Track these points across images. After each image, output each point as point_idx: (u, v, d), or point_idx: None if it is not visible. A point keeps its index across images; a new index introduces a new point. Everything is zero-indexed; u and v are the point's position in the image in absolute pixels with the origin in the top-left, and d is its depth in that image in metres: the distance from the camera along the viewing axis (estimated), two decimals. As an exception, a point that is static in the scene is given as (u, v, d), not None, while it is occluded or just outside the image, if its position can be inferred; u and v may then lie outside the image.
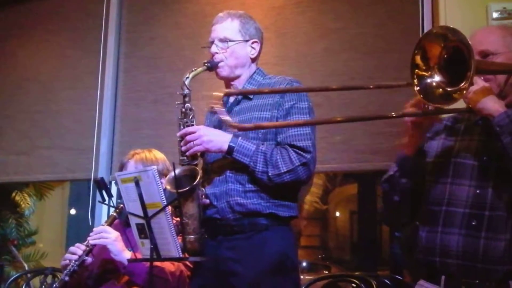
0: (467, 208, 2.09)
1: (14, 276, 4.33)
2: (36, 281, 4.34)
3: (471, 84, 1.90)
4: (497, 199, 2.06)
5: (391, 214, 2.37)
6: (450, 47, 1.96)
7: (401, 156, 2.27)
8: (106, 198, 2.83)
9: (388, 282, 3.36)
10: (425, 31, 3.51)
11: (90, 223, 4.38)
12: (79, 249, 2.90)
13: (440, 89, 1.99)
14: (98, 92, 4.58)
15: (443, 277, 2.12)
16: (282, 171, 2.50)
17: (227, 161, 2.61)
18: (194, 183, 2.51)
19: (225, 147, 2.54)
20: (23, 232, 7.91)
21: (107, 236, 2.85)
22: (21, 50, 5.10)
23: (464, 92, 1.89)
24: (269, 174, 2.51)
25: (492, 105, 2.02)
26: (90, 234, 2.92)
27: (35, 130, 4.85)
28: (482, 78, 2.10)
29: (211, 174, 2.69)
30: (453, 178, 2.16)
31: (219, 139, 2.56)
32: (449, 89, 1.97)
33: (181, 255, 2.44)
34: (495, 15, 3.30)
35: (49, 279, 3.85)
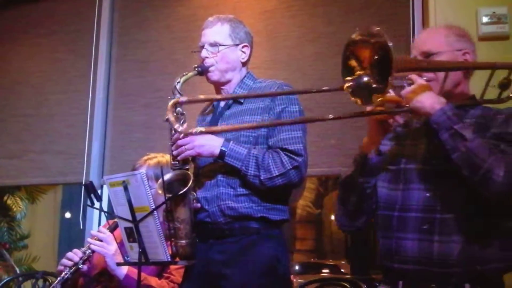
0: (419, 212, 2.07)
1: (5, 280, 4.31)
2: (27, 285, 4.33)
3: (390, 84, 1.86)
4: (447, 201, 2.04)
5: (346, 215, 2.31)
6: (376, 48, 1.91)
7: (361, 155, 2.23)
8: (96, 202, 2.82)
9: (378, 285, 3.35)
10: (416, 35, 3.53)
11: (81, 227, 4.38)
12: (76, 255, 2.89)
13: (367, 88, 1.93)
14: (90, 95, 4.57)
15: (400, 283, 2.10)
16: (274, 174, 2.50)
17: (218, 165, 2.61)
18: (185, 189, 2.50)
19: (217, 151, 2.54)
20: (15, 235, 7.88)
21: (107, 247, 2.85)
22: (12, 53, 5.09)
23: (386, 90, 1.87)
24: (261, 178, 2.51)
25: (428, 102, 1.99)
26: (89, 239, 2.91)
27: (27, 134, 4.84)
28: (424, 78, 2.08)
29: (202, 178, 2.69)
30: (404, 184, 2.14)
31: (211, 144, 2.56)
32: (374, 86, 1.92)
33: (169, 259, 2.43)
34: (484, 19, 3.30)
35: (40, 282, 3.85)
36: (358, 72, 1.96)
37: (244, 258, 2.51)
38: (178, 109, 2.65)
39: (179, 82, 2.68)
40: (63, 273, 2.84)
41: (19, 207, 7.96)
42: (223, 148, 2.54)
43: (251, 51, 2.82)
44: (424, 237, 2.04)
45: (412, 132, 2.26)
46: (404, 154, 2.20)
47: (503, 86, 2.13)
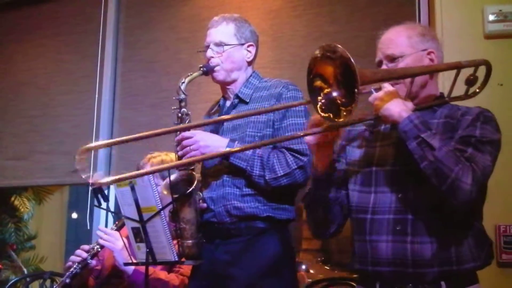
0: (391, 214, 2.06)
1: (13, 280, 4.32)
2: (35, 285, 4.34)
3: (356, 99, 1.83)
4: (418, 202, 2.03)
5: (316, 226, 2.29)
6: (338, 64, 1.89)
7: (314, 174, 2.20)
8: (103, 202, 2.83)
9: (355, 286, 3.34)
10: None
11: (88, 227, 4.39)
12: (83, 251, 2.92)
13: (336, 103, 1.92)
14: (96, 96, 4.58)
15: (377, 285, 2.08)
16: (279, 174, 2.50)
17: (224, 165, 2.61)
18: (190, 189, 2.50)
19: (222, 151, 2.55)
20: (22, 236, 7.90)
21: (115, 243, 2.86)
22: (19, 54, 5.11)
23: (353, 103, 1.83)
24: (266, 178, 2.51)
25: (396, 111, 1.97)
26: (97, 232, 2.93)
27: (33, 135, 4.86)
28: (390, 82, 2.05)
29: (208, 178, 2.69)
30: (376, 187, 2.13)
31: (216, 144, 2.56)
32: (342, 101, 1.90)
33: (176, 259, 2.44)
34: (491, 17, 3.29)
35: (48, 283, 3.86)
36: (326, 90, 1.94)
37: (250, 258, 2.51)
38: (183, 109, 2.66)
39: (183, 82, 2.68)
40: (72, 268, 2.88)
41: (26, 207, 7.97)
42: (228, 148, 2.54)
43: (256, 50, 2.82)
44: (397, 238, 2.03)
45: (380, 135, 2.23)
46: (374, 157, 2.18)
47: (470, 82, 2.17)
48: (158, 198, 2.41)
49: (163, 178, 2.74)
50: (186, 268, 2.89)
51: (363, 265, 2.12)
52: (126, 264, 2.72)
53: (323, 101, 1.94)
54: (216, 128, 2.72)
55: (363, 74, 1.85)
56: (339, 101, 1.92)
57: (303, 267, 5.67)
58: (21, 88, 5.00)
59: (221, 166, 2.63)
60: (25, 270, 6.08)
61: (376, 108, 2.01)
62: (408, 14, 3.67)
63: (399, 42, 2.18)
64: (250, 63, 2.80)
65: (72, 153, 4.58)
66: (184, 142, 2.58)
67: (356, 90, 1.81)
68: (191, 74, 2.69)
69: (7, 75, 5.10)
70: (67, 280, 2.85)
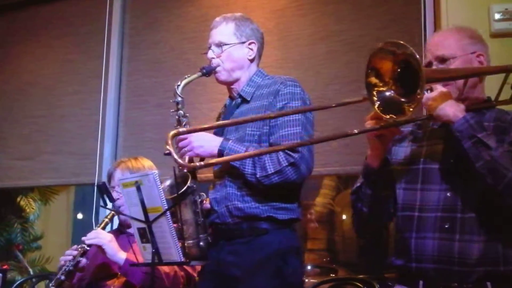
0: (439, 212, 2.08)
1: (19, 281, 4.32)
2: (41, 285, 4.35)
3: (421, 94, 1.89)
4: (467, 200, 2.05)
5: (360, 224, 2.34)
6: (399, 61, 1.95)
7: (366, 167, 2.25)
8: (109, 202, 2.85)
9: (391, 284, 3.33)
10: (427, 33, 3.51)
11: (94, 228, 4.38)
12: (73, 250, 2.94)
13: (396, 102, 1.97)
14: (102, 96, 4.58)
15: (421, 282, 2.10)
16: (270, 172, 2.47)
17: (226, 166, 2.60)
18: (183, 189, 2.49)
19: (216, 151, 2.54)
20: (28, 237, 7.90)
21: (102, 237, 2.90)
22: (25, 55, 5.11)
23: (417, 102, 1.89)
24: (257, 176, 2.49)
25: (451, 111, 2.01)
26: (83, 238, 2.95)
27: (39, 135, 4.87)
28: (441, 83, 2.10)
29: (214, 179, 2.70)
30: (422, 184, 2.16)
31: (210, 144, 2.55)
32: (403, 100, 1.95)
33: (182, 259, 2.43)
34: (497, 16, 3.28)
35: (53, 283, 3.86)
36: (381, 88, 1.99)
37: (253, 259, 2.50)
38: (179, 111, 2.66)
39: (179, 85, 2.68)
40: (64, 266, 2.91)
41: (32, 208, 7.97)
42: (220, 148, 2.53)
43: (260, 47, 2.80)
44: (445, 236, 2.05)
45: (427, 134, 2.26)
46: (421, 155, 2.21)
47: None
48: (163, 198, 2.40)
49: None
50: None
51: (407, 261, 2.13)
52: (132, 265, 2.73)
53: (379, 102, 2.00)
54: (220, 129, 2.72)
55: (428, 73, 1.95)
56: (397, 99, 1.97)
57: (309, 267, 5.66)
58: (27, 89, 5.01)
59: (225, 167, 2.63)
60: (31, 271, 6.07)
61: (430, 108, 2.05)
62: (414, 13, 3.68)
63: (449, 44, 2.22)
64: (252, 61, 2.78)
65: (77, 153, 4.62)
66: (179, 144, 2.58)
67: (419, 90, 1.86)
68: (188, 76, 2.69)
69: (13, 75, 5.11)
70: (62, 277, 2.89)
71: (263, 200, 2.54)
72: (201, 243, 2.51)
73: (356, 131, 2.11)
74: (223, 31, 2.73)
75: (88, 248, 2.93)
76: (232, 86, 2.78)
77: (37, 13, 5.13)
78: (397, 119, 1.98)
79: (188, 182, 2.51)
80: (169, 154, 1.94)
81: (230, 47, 2.70)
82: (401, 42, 1.92)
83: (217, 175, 2.69)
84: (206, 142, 2.55)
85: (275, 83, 2.66)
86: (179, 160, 2.02)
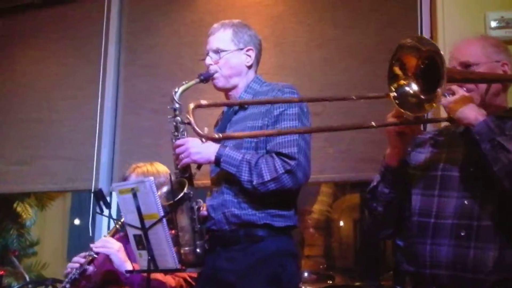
0: (456, 219, 2.09)
1: (15, 287, 4.32)
2: (37, 291, 4.33)
3: (444, 91, 1.92)
4: (484, 209, 2.05)
5: (375, 224, 2.36)
6: (424, 57, 1.98)
7: (384, 166, 2.27)
8: (105, 209, 2.84)
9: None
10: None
11: (90, 234, 4.37)
12: (81, 258, 2.95)
13: (415, 98, 2.00)
14: (99, 101, 4.56)
15: None
16: (266, 179, 2.47)
17: (223, 173, 2.59)
18: (179, 196, 2.49)
19: (212, 158, 2.54)
20: (24, 242, 7.89)
21: (110, 246, 2.89)
22: (21, 59, 5.09)
23: (437, 99, 1.91)
24: (254, 183, 2.48)
25: (472, 114, 2.02)
26: (91, 245, 2.94)
27: (36, 140, 4.83)
28: (464, 88, 2.11)
29: (212, 186, 2.70)
30: (440, 191, 2.16)
31: (207, 151, 2.55)
32: (423, 97, 1.98)
33: (178, 267, 2.43)
34: (493, 24, 3.29)
35: (50, 289, 3.86)
36: (402, 82, 2.02)
37: (250, 266, 2.50)
38: (177, 118, 2.66)
39: (176, 91, 2.67)
40: (71, 274, 2.91)
41: (29, 214, 7.97)
42: (217, 155, 2.53)
43: (258, 54, 2.81)
44: (460, 243, 2.06)
45: (447, 141, 2.27)
46: (440, 162, 2.21)
47: None
48: (159, 205, 2.40)
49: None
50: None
51: (421, 267, 2.13)
52: (128, 271, 2.72)
53: (396, 95, 2.03)
54: (223, 127, 2.73)
55: (451, 71, 1.96)
56: (415, 95, 2.00)
57: (306, 274, 5.65)
58: (23, 92, 4.97)
59: (222, 174, 2.62)
60: (27, 277, 6.05)
61: (451, 110, 2.06)
62: (410, 20, 3.68)
63: (474, 51, 2.24)
64: (250, 67, 2.78)
65: (74, 159, 4.61)
66: (176, 150, 2.59)
67: (439, 88, 1.88)
68: (186, 83, 2.69)
69: (10, 79, 5.08)
70: (67, 286, 2.88)
71: (260, 207, 2.53)
72: (197, 250, 2.51)
73: (374, 123, 2.12)
74: (221, 37, 2.73)
75: (96, 256, 2.93)
76: (229, 93, 2.78)
77: (34, 17, 5.10)
78: (415, 114, 2.00)
79: (185, 189, 2.51)
80: (189, 123, 2.04)
81: (228, 54, 2.70)
82: (428, 38, 1.97)
83: (214, 182, 2.69)
84: (203, 149, 2.55)
85: (273, 90, 2.66)
86: (198, 130, 2.03)
